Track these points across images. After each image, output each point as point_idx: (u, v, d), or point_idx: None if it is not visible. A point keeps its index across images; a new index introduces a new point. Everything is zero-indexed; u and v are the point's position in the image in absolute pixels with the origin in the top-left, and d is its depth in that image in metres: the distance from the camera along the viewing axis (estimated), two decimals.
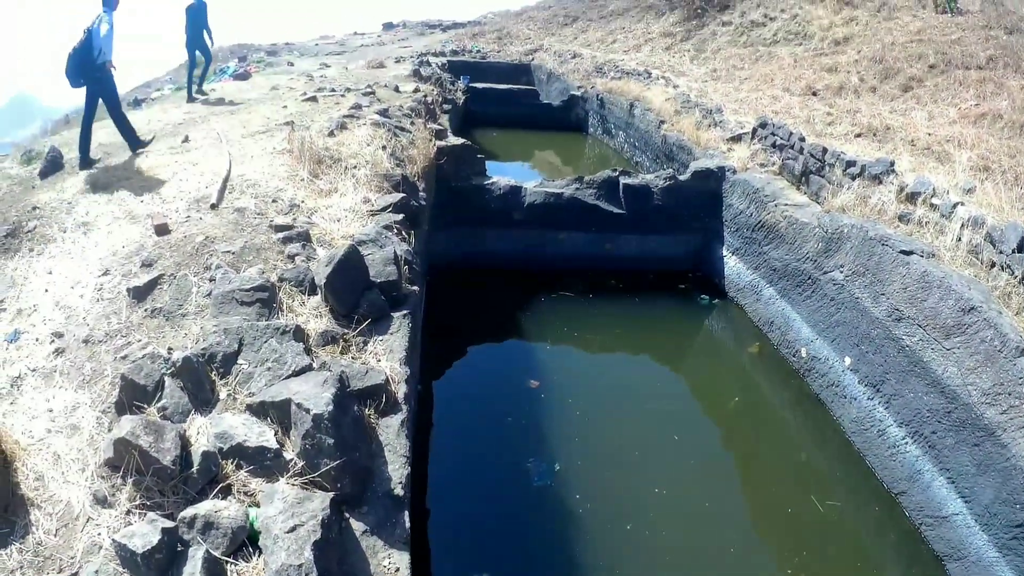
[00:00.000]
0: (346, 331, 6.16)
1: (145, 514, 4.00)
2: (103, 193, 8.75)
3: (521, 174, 21.54)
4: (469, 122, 26.10)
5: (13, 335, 5.82)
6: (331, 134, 11.51)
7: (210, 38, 16.47)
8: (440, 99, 20.15)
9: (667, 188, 13.95)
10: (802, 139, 12.68)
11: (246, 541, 4.00)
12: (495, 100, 28.42)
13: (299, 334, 5.64)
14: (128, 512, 4.10)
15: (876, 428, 8.99)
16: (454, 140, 14.15)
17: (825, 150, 11.87)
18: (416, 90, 18.60)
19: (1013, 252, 7.88)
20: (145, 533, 3.73)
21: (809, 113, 14.84)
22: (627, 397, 10.48)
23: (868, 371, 9.28)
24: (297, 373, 5.12)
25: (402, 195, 9.17)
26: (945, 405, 7.77)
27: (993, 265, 8.20)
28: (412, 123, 13.78)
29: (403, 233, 8.22)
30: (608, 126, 24.83)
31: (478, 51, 36.03)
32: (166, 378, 4.91)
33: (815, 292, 10.71)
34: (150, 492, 4.18)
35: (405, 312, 6.68)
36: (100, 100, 10.12)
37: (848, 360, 9.71)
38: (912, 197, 9.74)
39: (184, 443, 4.41)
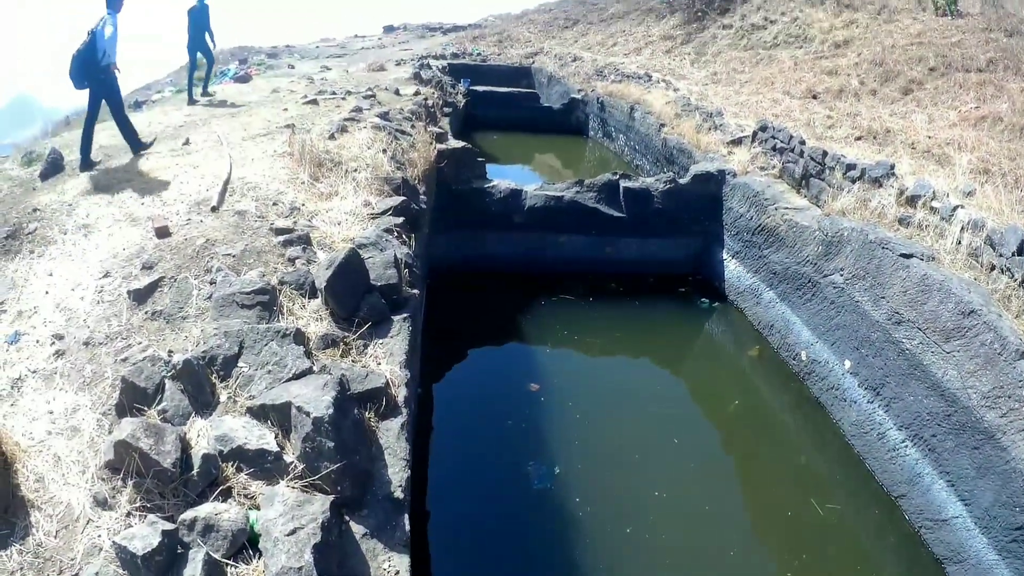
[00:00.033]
0: (346, 334, 6.16)
1: (145, 516, 4.00)
2: (104, 195, 8.76)
3: (521, 177, 21.56)
4: (470, 125, 26.12)
5: (13, 337, 5.82)
6: (332, 137, 11.52)
7: (212, 40, 16.49)
8: (441, 102, 20.18)
9: (667, 191, 13.96)
10: (802, 142, 12.69)
11: (246, 544, 4.00)
12: (496, 103, 28.44)
13: (299, 337, 5.65)
14: (128, 514, 4.10)
15: (876, 431, 8.99)
16: (454, 143, 14.17)
17: (825, 153, 11.88)
18: (417, 93, 18.63)
19: (1013, 255, 7.88)
20: (145, 535, 3.73)
21: (809, 116, 14.85)
22: (627, 400, 10.48)
23: (868, 374, 9.28)
24: (297, 376, 5.12)
25: (402, 198, 9.18)
26: (945, 408, 7.77)
27: (993, 268, 8.20)
28: (413, 126, 13.79)
29: (403, 236, 8.23)
30: (608, 129, 24.84)
31: (479, 54, 36.11)
32: (166, 381, 4.92)
33: (815, 295, 10.72)
34: (150, 494, 4.19)
35: (405, 315, 6.69)
36: (103, 102, 10.13)
37: (848, 363, 9.71)
38: (912, 200, 9.74)
39: (184, 446, 4.41)
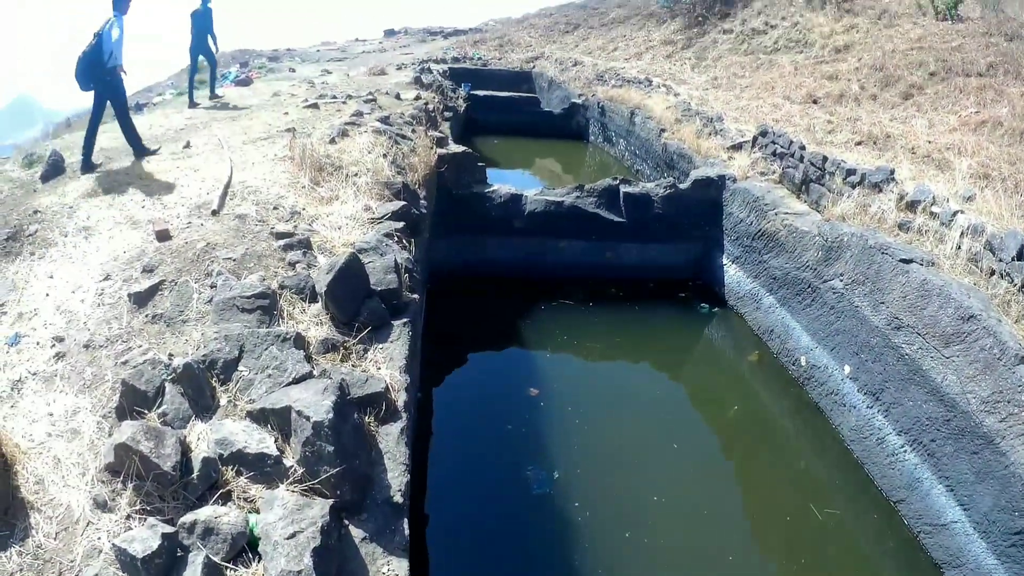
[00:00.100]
0: (346, 339, 6.17)
1: (145, 519, 4.01)
2: (104, 198, 8.77)
3: (522, 182, 21.54)
4: (470, 129, 26.12)
5: (14, 339, 5.83)
6: (332, 141, 11.53)
7: (215, 44, 16.52)
8: (441, 106, 20.20)
9: (667, 196, 13.97)
10: (802, 147, 12.70)
11: (246, 547, 4.01)
12: (496, 107, 28.42)
13: (300, 341, 5.66)
14: (128, 517, 4.11)
15: (875, 436, 8.99)
16: (455, 148, 14.18)
17: (825, 158, 11.89)
18: (417, 97, 18.64)
19: (1013, 260, 7.88)
20: (145, 538, 3.74)
21: (810, 121, 14.86)
22: (627, 405, 10.48)
23: (867, 379, 9.28)
24: (297, 380, 5.14)
25: (403, 203, 9.20)
26: (944, 413, 7.77)
27: (993, 273, 8.21)
28: (413, 130, 13.80)
29: (404, 241, 8.24)
30: (609, 134, 24.86)
31: (479, 58, 36.09)
32: (167, 384, 4.93)
33: (815, 301, 10.72)
34: (150, 497, 4.20)
35: (405, 320, 6.71)
36: (107, 104, 10.14)
37: (847, 368, 9.71)
38: (912, 205, 9.75)
39: (184, 449, 4.42)
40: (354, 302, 6.42)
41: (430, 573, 7.20)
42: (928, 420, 8.04)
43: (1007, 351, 7.07)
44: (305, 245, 7.53)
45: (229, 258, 7.02)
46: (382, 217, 8.70)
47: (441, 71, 28.30)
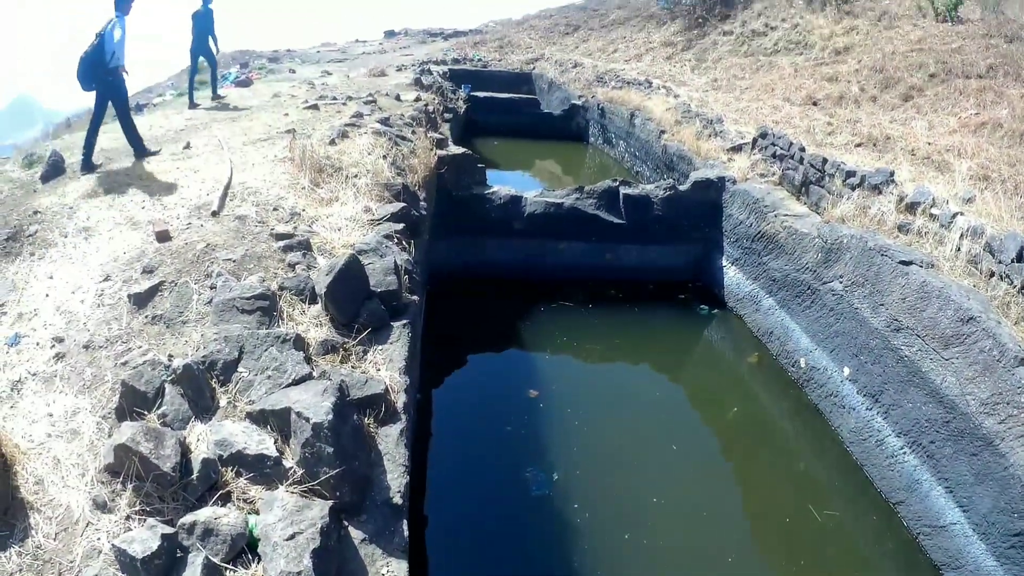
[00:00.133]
0: (346, 340, 6.18)
1: (145, 520, 4.02)
2: (104, 198, 8.77)
3: (522, 183, 21.54)
4: (470, 131, 26.11)
5: (14, 339, 5.83)
6: (332, 142, 11.54)
7: (215, 45, 16.55)
8: (441, 108, 20.20)
9: (667, 198, 13.97)
10: (802, 149, 12.71)
11: (245, 548, 4.01)
12: (496, 109, 28.42)
13: (299, 343, 5.67)
14: (128, 517, 4.12)
15: (875, 438, 9.00)
16: (455, 149, 14.19)
17: (825, 160, 11.90)
18: (417, 99, 18.65)
19: (1012, 262, 7.89)
20: (145, 539, 3.74)
21: (809, 123, 14.87)
22: (626, 407, 10.48)
23: (867, 381, 9.29)
24: (297, 382, 5.14)
25: (403, 204, 9.20)
26: (944, 415, 7.78)
27: (992, 275, 8.21)
28: (413, 132, 13.81)
29: (403, 242, 8.24)
30: (609, 136, 24.86)
31: (479, 60, 36.09)
32: (166, 385, 4.93)
33: (814, 302, 10.73)
34: (150, 498, 4.20)
35: (405, 322, 6.71)
36: (109, 104, 10.15)
37: (847, 370, 9.72)
38: (912, 207, 9.76)
39: (184, 450, 4.43)
40: (354, 304, 6.42)
41: (429, 574, 7.20)
42: (927, 422, 8.05)
43: (1006, 353, 7.08)
44: (305, 246, 7.53)
45: (229, 259, 7.03)
46: (382, 219, 8.71)
47: (441, 72, 28.29)
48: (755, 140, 14.59)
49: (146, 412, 4.80)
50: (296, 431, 4.52)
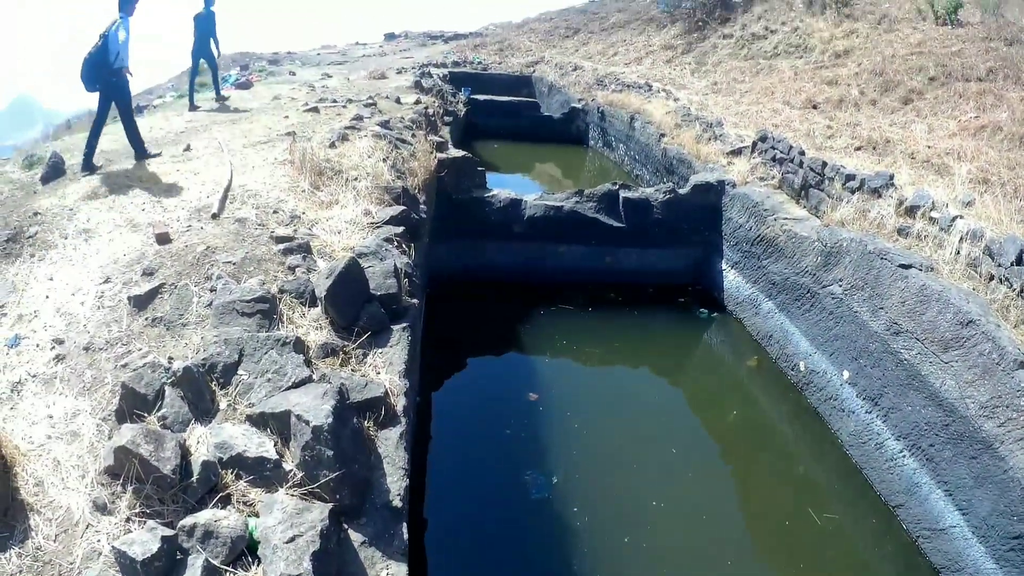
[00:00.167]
0: (346, 343, 6.18)
1: (145, 522, 4.02)
2: (105, 200, 8.77)
3: (522, 186, 21.58)
4: (470, 134, 26.13)
5: (14, 340, 5.83)
6: (332, 145, 11.54)
7: (217, 47, 16.58)
8: (441, 111, 20.21)
9: (667, 202, 13.99)
10: (802, 153, 12.72)
11: (245, 550, 4.01)
12: (496, 112, 28.46)
13: (299, 346, 5.67)
14: (128, 519, 4.11)
15: (874, 441, 9.00)
16: (455, 152, 14.20)
17: (825, 164, 11.91)
18: (417, 102, 18.66)
19: (1012, 265, 7.90)
20: (145, 541, 3.75)
21: (809, 126, 14.88)
22: (626, 410, 10.49)
23: (866, 385, 9.29)
24: (297, 385, 5.14)
25: (403, 207, 9.21)
26: (943, 418, 7.78)
27: (992, 278, 8.22)
28: (413, 135, 13.82)
29: (403, 246, 8.24)
30: (609, 139, 24.89)
31: (479, 63, 36.12)
32: (166, 387, 4.93)
33: (814, 306, 10.73)
34: (150, 500, 4.20)
35: (405, 325, 6.71)
36: (112, 105, 10.17)
37: (846, 374, 9.72)
38: (911, 211, 9.77)
39: (184, 452, 4.43)
40: (354, 307, 6.42)
41: None
42: (927, 425, 8.05)
43: (1006, 356, 7.08)
44: (305, 249, 7.53)
45: (229, 262, 7.03)
46: (382, 222, 8.71)
47: (441, 75, 28.33)
48: (755, 144, 14.60)
49: (146, 414, 4.80)
50: (296, 434, 4.52)
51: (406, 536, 4.64)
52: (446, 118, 20.13)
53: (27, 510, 4.16)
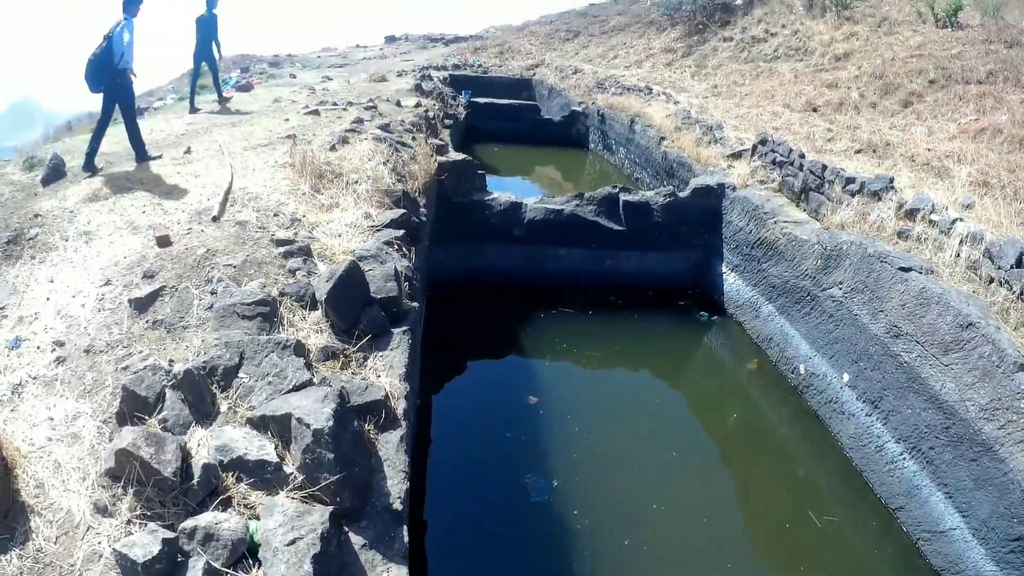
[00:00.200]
0: (346, 346, 6.18)
1: (145, 524, 4.02)
2: (105, 202, 8.78)
3: (522, 189, 21.59)
4: (470, 137, 26.16)
5: (14, 342, 5.84)
6: (333, 148, 11.55)
7: (218, 50, 16.59)
8: (441, 114, 20.22)
9: (667, 205, 13.99)
10: (802, 156, 12.72)
11: (246, 553, 4.01)
12: (496, 115, 28.48)
13: (300, 349, 5.67)
14: (128, 522, 4.12)
15: (874, 444, 9.00)
16: (455, 155, 14.20)
17: (825, 167, 11.91)
18: (418, 104, 18.66)
19: (1012, 268, 7.91)
20: (146, 543, 3.75)
21: (809, 129, 14.89)
22: (626, 413, 10.49)
23: (866, 387, 9.29)
24: (297, 388, 5.15)
25: (403, 211, 9.21)
26: (943, 421, 7.79)
27: (992, 281, 8.23)
28: (413, 138, 13.83)
29: (404, 249, 8.25)
30: (609, 142, 24.89)
31: (480, 65, 36.13)
32: (167, 390, 4.94)
33: (814, 309, 10.74)
34: (150, 503, 4.20)
35: (405, 328, 6.71)
36: (116, 106, 10.19)
37: (846, 376, 9.72)
38: (911, 213, 9.77)
39: (185, 455, 4.43)
40: (354, 310, 6.43)
41: None
42: (927, 427, 8.06)
43: (1006, 358, 7.09)
44: (305, 252, 7.54)
45: (229, 265, 7.04)
46: (382, 225, 8.72)
47: (441, 78, 28.34)
48: (755, 147, 14.61)
49: (147, 417, 4.81)
50: (296, 437, 4.52)
51: (406, 539, 4.65)
52: (446, 121, 20.13)
53: (28, 512, 4.16)
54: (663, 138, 19.05)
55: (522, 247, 13.83)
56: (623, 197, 13.91)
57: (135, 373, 5.07)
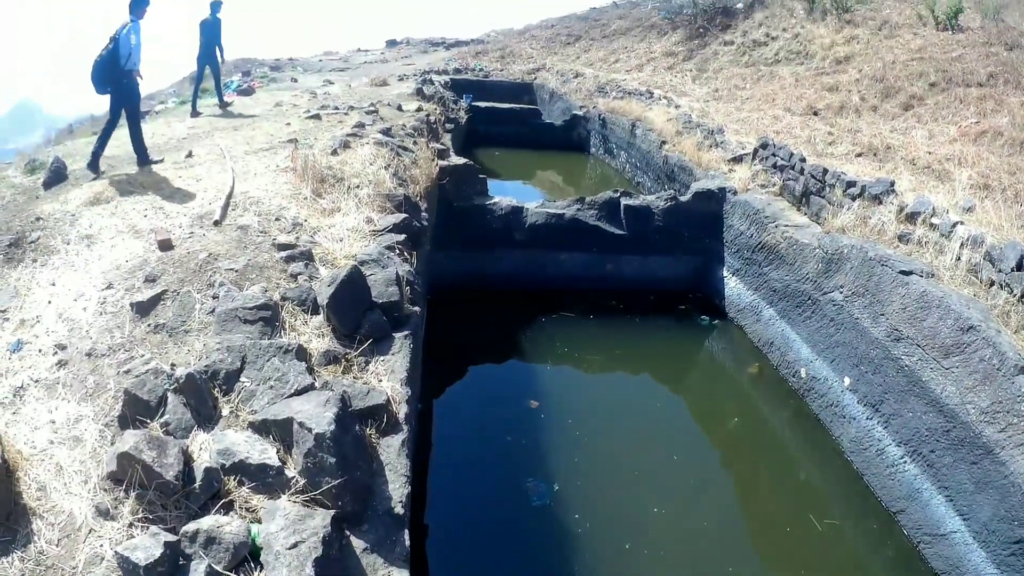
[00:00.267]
0: (348, 351, 6.20)
1: (147, 527, 4.03)
2: (107, 206, 8.78)
3: (523, 194, 21.60)
4: (471, 141, 26.14)
5: (16, 345, 5.85)
6: (334, 153, 11.57)
7: (221, 54, 16.63)
8: (443, 118, 20.25)
9: (668, 209, 14.00)
10: (803, 160, 12.73)
11: (248, 557, 4.02)
12: (497, 119, 28.47)
13: (301, 353, 5.69)
14: (130, 525, 4.13)
15: (875, 447, 9.00)
16: (456, 160, 14.22)
17: (826, 171, 11.92)
18: (419, 109, 18.68)
19: (1012, 271, 7.92)
20: (148, 546, 3.76)
21: (810, 133, 14.90)
22: (627, 417, 10.49)
23: (867, 391, 9.29)
24: (299, 392, 5.16)
25: (404, 215, 9.23)
26: (944, 424, 7.79)
27: (992, 284, 8.24)
28: (415, 142, 13.85)
29: (405, 253, 8.26)
30: (610, 146, 24.90)
31: (481, 70, 36.17)
32: (169, 394, 4.95)
33: (815, 313, 10.74)
34: (152, 506, 4.21)
35: (406, 333, 6.73)
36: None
37: (847, 380, 9.73)
38: (912, 217, 9.79)
39: (187, 459, 4.44)
40: (356, 314, 6.44)
41: None
42: (928, 431, 8.06)
43: (1006, 362, 7.09)
44: (307, 257, 7.55)
45: (231, 269, 7.05)
46: (383, 229, 8.73)
47: (443, 82, 28.36)
48: (756, 150, 14.62)
49: (149, 420, 4.82)
50: (298, 441, 4.53)
51: (408, 543, 4.65)
52: (448, 125, 20.15)
53: (30, 515, 4.17)
54: (664, 142, 19.05)
55: (523, 251, 13.83)
56: (624, 201, 13.92)
57: (137, 377, 5.08)
